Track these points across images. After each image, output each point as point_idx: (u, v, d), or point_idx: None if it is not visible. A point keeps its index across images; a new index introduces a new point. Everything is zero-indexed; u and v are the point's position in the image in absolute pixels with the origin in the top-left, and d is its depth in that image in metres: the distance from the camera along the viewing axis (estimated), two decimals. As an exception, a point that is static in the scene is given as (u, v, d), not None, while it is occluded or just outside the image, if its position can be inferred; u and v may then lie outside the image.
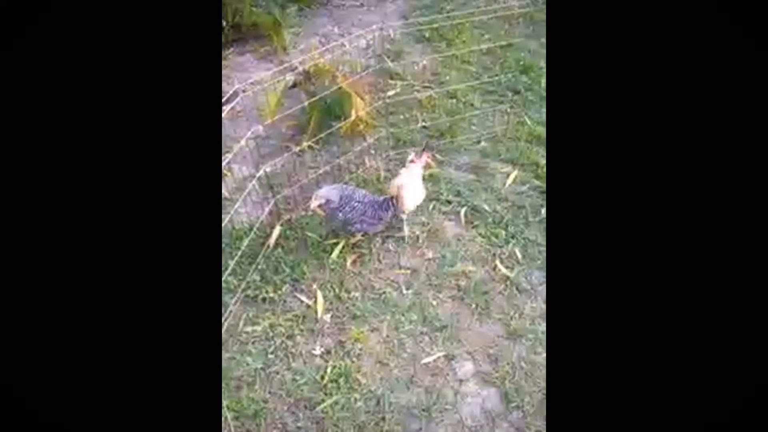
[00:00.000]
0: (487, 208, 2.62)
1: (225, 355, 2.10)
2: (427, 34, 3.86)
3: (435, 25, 3.76)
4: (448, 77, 3.46)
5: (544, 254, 2.40)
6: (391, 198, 2.36)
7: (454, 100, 3.27)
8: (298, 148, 2.88)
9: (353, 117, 2.93)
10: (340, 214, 2.35)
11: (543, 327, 2.14)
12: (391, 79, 3.47)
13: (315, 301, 2.26)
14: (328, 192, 2.32)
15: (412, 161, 2.46)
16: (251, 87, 2.60)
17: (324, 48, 3.39)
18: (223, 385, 1.99)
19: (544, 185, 2.71)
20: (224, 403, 1.89)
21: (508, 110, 3.15)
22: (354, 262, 2.42)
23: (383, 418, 1.91)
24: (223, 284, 2.26)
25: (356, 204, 2.33)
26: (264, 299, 2.28)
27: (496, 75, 3.39)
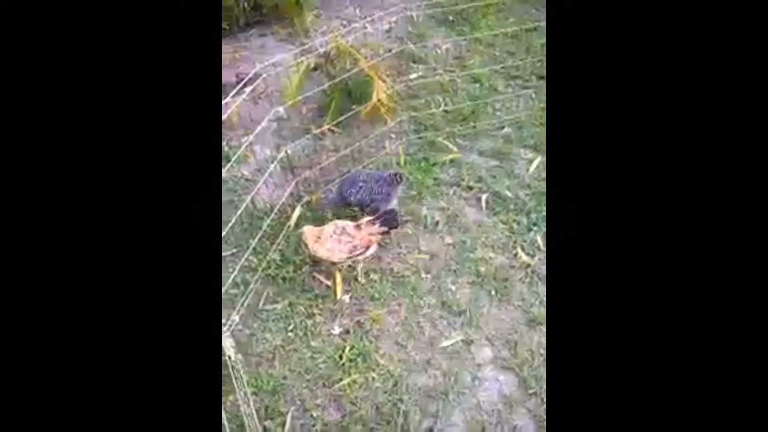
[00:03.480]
0: (509, 194, 2.59)
1: (246, 332, 2.14)
2: (450, 17, 3.78)
3: (459, 8, 3.68)
4: (471, 61, 3.39)
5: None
6: (397, 173, 2.35)
7: (478, 85, 3.22)
8: (318, 131, 2.87)
9: (374, 100, 2.91)
10: (351, 199, 2.35)
11: (563, 315, 2.12)
12: (413, 62, 3.42)
13: (334, 282, 2.27)
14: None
15: (358, 226, 2.20)
16: (272, 69, 2.60)
17: (345, 30, 3.36)
18: (243, 360, 2.02)
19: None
20: (244, 378, 1.92)
21: (533, 96, 3.08)
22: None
23: (401, 399, 1.92)
24: (245, 263, 2.28)
25: (362, 184, 2.34)
26: (284, 279, 2.30)
27: (521, 59, 3.31)
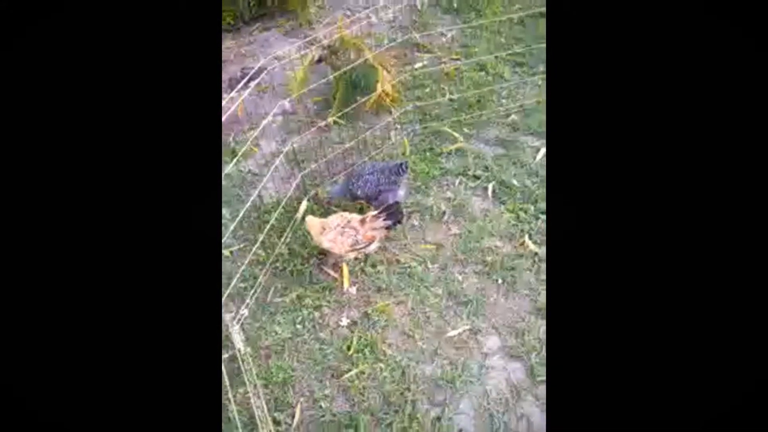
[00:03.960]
0: (516, 183, 2.56)
1: (255, 325, 2.17)
2: (455, 5, 3.73)
3: (463, -5, 3.63)
4: (476, 49, 3.35)
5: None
6: (402, 162, 2.35)
7: (483, 73, 3.18)
8: (323, 123, 2.87)
9: (379, 91, 2.89)
10: (359, 192, 2.36)
11: (572, 303, 2.10)
12: (418, 51, 3.39)
13: (341, 274, 2.29)
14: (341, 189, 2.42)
15: (362, 220, 2.20)
16: (276, 62, 2.60)
17: (349, 21, 3.34)
18: (252, 353, 2.06)
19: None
20: (254, 371, 1.96)
21: (539, 83, 3.03)
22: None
23: (408, 389, 1.94)
24: (253, 256, 2.31)
25: (368, 177, 2.34)
26: (292, 272, 2.33)
27: (527, 46, 3.25)
